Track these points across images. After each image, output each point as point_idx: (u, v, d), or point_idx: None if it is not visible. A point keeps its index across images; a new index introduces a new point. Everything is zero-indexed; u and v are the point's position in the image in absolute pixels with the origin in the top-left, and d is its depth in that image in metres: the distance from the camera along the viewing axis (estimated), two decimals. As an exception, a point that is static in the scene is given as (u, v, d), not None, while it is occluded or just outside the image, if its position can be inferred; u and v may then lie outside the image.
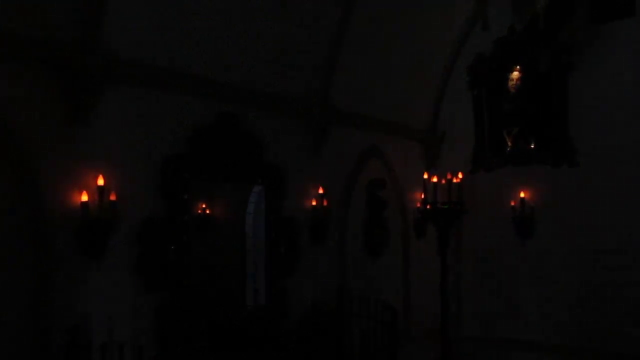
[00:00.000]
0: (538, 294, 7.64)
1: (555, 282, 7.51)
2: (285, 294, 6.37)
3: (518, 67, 7.87)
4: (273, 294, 6.28)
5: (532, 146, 7.77)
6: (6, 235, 4.32)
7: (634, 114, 7.04)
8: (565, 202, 7.49)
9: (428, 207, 6.95)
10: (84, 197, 4.63)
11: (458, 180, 6.96)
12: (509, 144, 7.95)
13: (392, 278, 8.00)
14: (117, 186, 4.90)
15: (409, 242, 8.33)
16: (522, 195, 7.73)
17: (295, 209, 6.61)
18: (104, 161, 4.87)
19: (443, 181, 6.92)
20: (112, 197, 4.82)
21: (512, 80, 7.93)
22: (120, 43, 4.93)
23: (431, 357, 7.63)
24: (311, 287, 6.65)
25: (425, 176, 7.00)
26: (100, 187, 4.71)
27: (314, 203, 6.74)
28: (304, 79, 6.64)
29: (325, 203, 6.78)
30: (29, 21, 4.35)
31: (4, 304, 4.29)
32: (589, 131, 7.37)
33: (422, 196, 7.13)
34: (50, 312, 4.48)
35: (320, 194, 6.77)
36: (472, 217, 7.82)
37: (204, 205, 6.26)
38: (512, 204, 7.81)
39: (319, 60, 6.67)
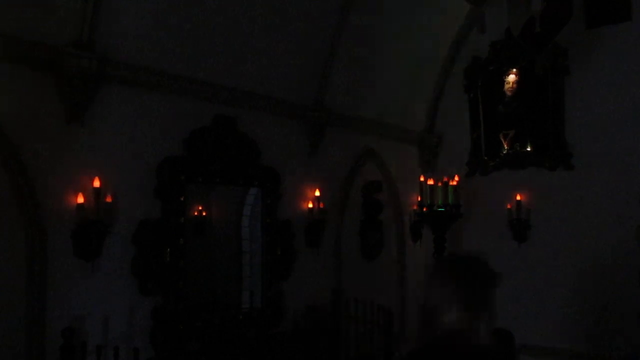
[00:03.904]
0: (535, 297, 7.64)
1: (552, 285, 7.51)
2: (281, 297, 6.37)
3: (514, 70, 7.92)
4: (268, 296, 6.28)
5: (529, 149, 7.81)
6: (1, 237, 4.30)
7: (630, 118, 7.06)
8: (562, 205, 7.50)
9: (424, 210, 6.98)
10: (80, 199, 4.62)
11: (454, 183, 6.99)
12: (506, 146, 8.00)
13: (388, 281, 8.00)
14: (113, 188, 4.89)
15: (405, 244, 8.33)
16: (518, 198, 7.73)
17: (291, 211, 6.60)
18: (100, 163, 4.85)
19: (439, 184, 6.95)
20: (108, 199, 4.81)
21: (509, 83, 7.99)
22: (116, 45, 4.92)
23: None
24: (307, 289, 6.64)
25: (422, 179, 7.03)
26: (96, 189, 4.69)
27: (310, 205, 6.73)
28: (301, 81, 6.64)
29: (321, 205, 6.78)
30: (23, 22, 4.34)
31: (-2, 306, 4.28)
32: (584, 134, 7.39)
33: (419, 199, 7.16)
34: (45, 314, 4.46)
35: (317, 196, 6.77)
36: (469, 219, 7.85)
37: (200, 208, 6.26)
38: (509, 206, 7.81)
39: (315, 63, 6.67)
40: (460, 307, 2.11)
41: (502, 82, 8.03)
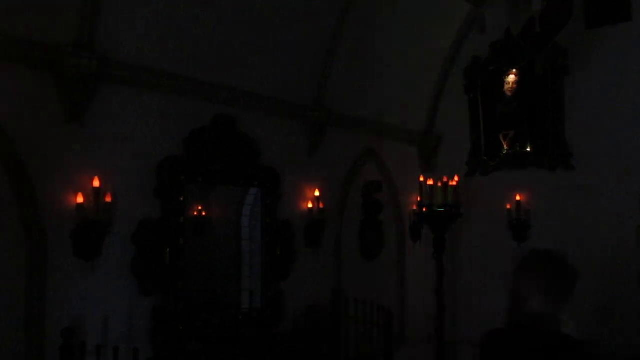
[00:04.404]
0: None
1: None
2: (281, 297, 6.36)
3: (514, 70, 7.93)
4: (268, 296, 6.28)
5: (529, 149, 7.81)
6: (1, 237, 4.30)
7: (630, 118, 7.06)
8: (561, 205, 7.50)
9: (424, 210, 6.97)
10: (80, 199, 4.62)
11: (454, 183, 6.97)
12: (505, 147, 8.00)
13: (387, 281, 8.00)
14: (113, 188, 4.89)
15: (404, 245, 8.33)
16: (518, 198, 7.73)
17: (291, 211, 6.60)
18: (99, 163, 4.85)
19: (439, 184, 6.94)
20: (108, 199, 4.81)
21: (509, 83, 7.99)
22: (116, 44, 4.93)
23: (427, 360, 7.65)
24: (307, 289, 6.64)
25: (422, 179, 7.01)
26: (96, 189, 4.69)
27: (309, 206, 6.73)
28: (301, 81, 6.64)
29: (321, 206, 6.78)
30: (23, 22, 4.34)
31: (-2, 306, 4.28)
32: (584, 134, 7.38)
33: (418, 199, 7.15)
34: (45, 314, 4.46)
35: (316, 196, 6.77)
36: (468, 220, 7.84)
37: (199, 208, 6.25)
38: (508, 207, 7.81)
39: (315, 63, 6.67)
40: (543, 297, 2.48)
41: (502, 82, 8.03)
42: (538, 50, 6.71)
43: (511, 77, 7.96)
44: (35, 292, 4.42)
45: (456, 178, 7.03)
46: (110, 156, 4.97)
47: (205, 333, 5.55)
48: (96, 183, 4.70)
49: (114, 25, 4.87)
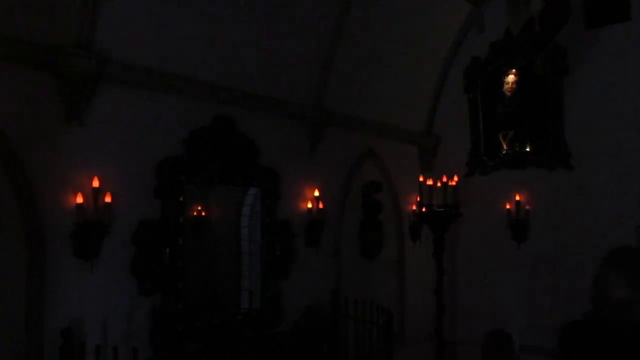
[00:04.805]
0: (535, 297, 7.64)
1: (552, 285, 7.51)
2: (280, 297, 6.37)
3: (514, 70, 7.93)
4: (268, 296, 6.28)
5: (528, 149, 7.81)
6: (0, 237, 4.30)
7: (630, 118, 7.06)
8: (561, 205, 7.50)
9: (424, 210, 6.97)
10: (79, 199, 4.61)
11: (453, 183, 6.97)
12: (505, 147, 8.00)
13: (387, 281, 8.01)
14: (113, 188, 4.88)
15: (404, 244, 8.34)
16: (517, 198, 7.73)
17: (291, 211, 6.61)
18: (99, 163, 4.85)
19: (439, 184, 6.94)
20: (108, 199, 4.80)
21: (508, 83, 7.99)
22: (116, 45, 4.92)
23: (426, 360, 7.65)
24: (306, 289, 6.65)
25: (421, 179, 7.01)
26: (95, 189, 4.69)
27: (309, 206, 6.73)
28: (300, 82, 6.64)
29: (320, 205, 6.78)
30: (23, 22, 4.34)
31: (-3, 306, 4.28)
32: (584, 134, 7.38)
33: (418, 199, 7.15)
34: (44, 314, 4.46)
35: (316, 196, 6.77)
36: (468, 220, 7.84)
37: (199, 208, 6.25)
38: (508, 207, 7.82)
39: (314, 63, 6.68)
40: (627, 289, 2.68)
41: (502, 82, 8.04)
42: (538, 50, 6.72)
43: (511, 77, 7.97)
44: (35, 292, 4.42)
45: (456, 178, 7.03)
46: (110, 156, 4.97)
47: (205, 333, 5.55)
48: (96, 183, 4.71)
49: (114, 25, 4.87)
